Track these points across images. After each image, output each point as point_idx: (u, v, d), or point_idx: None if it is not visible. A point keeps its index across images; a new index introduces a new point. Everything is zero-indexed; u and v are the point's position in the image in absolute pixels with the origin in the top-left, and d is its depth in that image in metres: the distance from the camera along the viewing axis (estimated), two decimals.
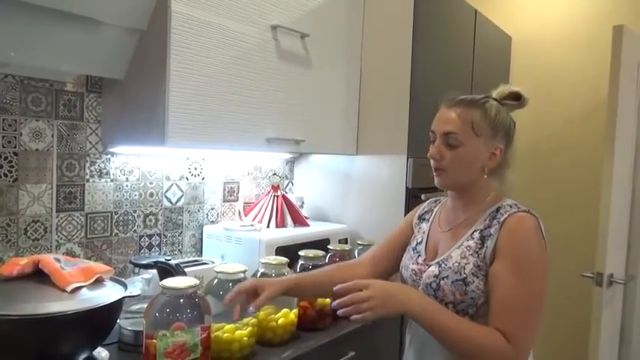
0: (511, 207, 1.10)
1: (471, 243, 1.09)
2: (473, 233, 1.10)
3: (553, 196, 2.52)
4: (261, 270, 1.44)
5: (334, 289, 1.03)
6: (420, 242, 1.22)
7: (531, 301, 1.01)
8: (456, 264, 1.08)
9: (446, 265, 1.09)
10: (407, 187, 1.88)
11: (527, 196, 2.54)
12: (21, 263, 1.10)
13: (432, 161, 1.14)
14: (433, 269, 1.12)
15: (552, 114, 2.55)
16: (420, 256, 1.19)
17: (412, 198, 1.85)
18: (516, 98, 1.14)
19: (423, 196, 1.66)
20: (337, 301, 0.99)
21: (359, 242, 1.86)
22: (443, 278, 1.08)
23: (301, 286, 1.25)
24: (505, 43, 2.65)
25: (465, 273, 1.05)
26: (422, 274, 1.14)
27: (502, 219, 1.07)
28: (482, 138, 1.09)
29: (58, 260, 1.12)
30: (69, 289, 1.06)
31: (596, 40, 2.41)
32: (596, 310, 1.94)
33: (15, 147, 1.34)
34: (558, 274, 2.10)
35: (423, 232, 1.24)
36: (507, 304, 1.00)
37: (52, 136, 1.42)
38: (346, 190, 2.07)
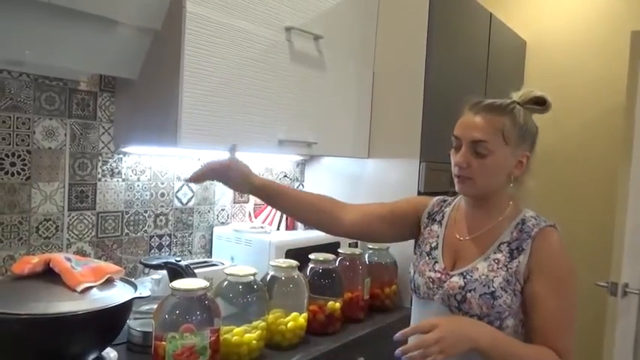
0: (536, 219, 1.09)
1: (500, 256, 1.06)
2: (500, 246, 1.08)
3: (568, 203, 2.48)
4: (271, 273, 1.43)
5: (395, 336, 0.98)
6: (436, 247, 1.17)
7: (572, 315, 1.04)
8: (484, 276, 1.05)
9: (471, 277, 1.06)
10: (419, 192, 1.86)
11: (542, 202, 2.51)
12: (32, 262, 1.11)
13: (455, 168, 1.08)
14: (457, 280, 1.08)
15: (567, 120, 2.51)
16: (437, 262, 1.15)
17: (422, 196, 1.83)
18: (541, 103, 1.11)
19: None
20: (402, 348, 0.95)
21: (369, 246, 1.85)
22: (470, 291, 1.05)
23: (278, 196, 1.22)
24: (520, 47, 2.62)
25: (493, 286, 1.03)
26: (442, 283, 1.10)
27: (532, 233, 1.05)
28: (511, 146, 1.06)
29: (69, 260, 1.12)
30: (79, 289, 1.06)
31: (612, 44, 2.38)
32: (611, 320, 1.91)
33: (28, 145, 1.35)
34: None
35: (437, 237, 1.19)
36: (555, 322, 1.02)
37: (65, 135, 1.42)
38: (357, 193, 2.05)
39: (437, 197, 1.28)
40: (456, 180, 1.10)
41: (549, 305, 1.02)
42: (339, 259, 1.65)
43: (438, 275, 1.12)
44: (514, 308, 1.03)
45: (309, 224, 1.38)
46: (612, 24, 2.40)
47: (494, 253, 1.07)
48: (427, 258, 1.17)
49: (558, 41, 2.55)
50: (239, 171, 1.19)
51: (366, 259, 1.78)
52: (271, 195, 1.23)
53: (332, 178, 2.16)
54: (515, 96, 1.11)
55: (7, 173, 1.31)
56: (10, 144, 1.31)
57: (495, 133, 1.04)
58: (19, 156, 1.33)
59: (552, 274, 1.03)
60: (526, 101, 1.10)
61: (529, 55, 2.65)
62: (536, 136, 1.12)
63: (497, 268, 1.05)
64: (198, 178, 1.20)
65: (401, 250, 1.77)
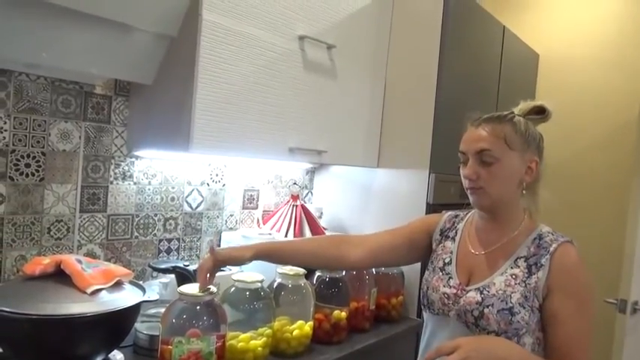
0: (553, 234, 1.09)
1: (517, 271, 1.06)
2: (517, 260, 1.07)
3: (578, 219, 2.46)
4: (278, 280, 1.43)
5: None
6: (449, 263, 1.17)
7: (590, 330, 1.03)
8: (501, 292, 1.04)
9: (488, 292, 1.05)
10: (428, 203, 1.86)
11: (552, 217, 2.50)
12: (43, 263, 1.12)
13: (466, 182, 1.09)
14: (474, 295, 1.07)
15: (579, 134, 2.50)
16: (451, 278, 1.14)
17: (432, 213, 1.83)
18: (540, 112, 1.12)
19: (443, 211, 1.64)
20: None
21: None
22: (487, 306, 1.04)
23: (278, 254, 1.21)
24: (532, 61, 2.62)
25: (511, 302, 1.03)
26: (458, 299, 1.09)
27: (551, 249, 1.05)
28: (517, 151, 1.07)
29: (79, 261, 1.14)
30: (89, 290, 1.07)
31: (626, 60, 2.37)
32: (619, 338, 1.88)
33: (43, 147, 1.37)
34: None
35: (450, 252, 1.18)
36: (576, 340, 1.01)
37: (80, 137, 1.44)
38: (366, 202, 2.06)
39: (448, 213, 1.28)
40: (469, 193, 1.10)
41: (571, 324, 1.01)
42: None
43: (454, 291, 1.11)
44: (532, 325, 1.03)
45: (317, 269, 1.40)
46: (626, 40, 2.39)
47: (511, 268, 1.07)
48: (440, 273, 1.16)
49: (571, 55, 2.55)
50: (229, 260, 1.18)
51: (373, 270, 1.78)
52: (270, 257, 1.21)
53: (341, 187, 2.16)
54: (516, 110, 1.13)
55: (21, 174, 1.33)
56: (25, 145, 1.33)
57: (497, 140, 1.06)
58: (33, 157, 1.35)
59: (573, 292, 1.02)
60: (526, 113, 1.12)
61: (542, 69, 2.64)
62: (541, 142, 1.12)
63: (515, 284, 1.04)
64: (206, 283, 1.15)
65: None
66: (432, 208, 1.84)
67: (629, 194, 1.89)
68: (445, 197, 1.85)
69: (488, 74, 2.21)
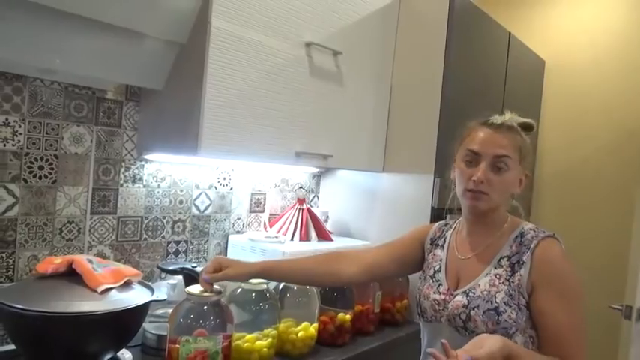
0: (535, 231, 1.10)
1: (500, 271, 1.07)
2: (500, 260, 1.09)
3: (583, 224, 2.47)
4: (284, 282, 1.45)
5: None
6: (439, 270, 1.19)
7: (581, 324, 1.03)
8: (486, 292, 1.06)
9: (474, 293, 1.07)
10: (432, 207, 1.87)
11: (557, 223, 2.50)
12: (56, 262, 1.15)
13: (470, 183, 1.08)
14: (460, 299, 1.09)
15: (584, 140, 2.51)
16: (441, 284, 1.16)
17: (437, 218, 1.84)
18: (527, 129, 1.16)
19: (448, 217, 1.65)
20: None
21: None
22: (473, 308, 1.05)
23: (274, 273, 1.22)
24: (538, 67, 2.63)
25: (496, 302, 1.04)
26: (446, 303, 1.11)
27: (532, 245, 1.06)
28: (522, 165, 1.11)
29: (90, 261, 1.17)
30: (99, 289, 1.10)
31: (632, 66, 2.38)
32: (624, 344, 1.88)
33: (56, 150, 1.41)
34: (585, 304, 2.04)
35: (440, 260, 1.20)
36: (563, 333, 1.01)
37: (91, 141, 1.48)
38: (371, 206, 2.08)
39: (438, 223, 1.31)
40: (468, 195, 1.10)
41: (558, 318, 1.01)
42: None
43: (442, 296, 1.13)
44: (520, 323, 1.03)
45: (313, 286, 1.42)
46: (632, 46, 2.39)
47: (495, 268, 1.08)
48: (431, 281, 1.19)
49: (577, 62, 2.56)
50: (226, 279, 1.18)
51: None
52: (267, 275, 1.22)
53: (346, 191, 2.18)
54: (507, 120, 1.15)
55: (35, 176, 1.37)
56: (39, 148, 1.37)
57: (515, 150, 1.09)
58: (47, 160, 1.39)
59: (557, 286, 1.03)
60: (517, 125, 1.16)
61: (548, 75, 2.65)
62: (533, 158, 1.18)
63: (499, 283, 1.06)
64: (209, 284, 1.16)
65: None
66: (437, 213, 1.86)
67: (634, 199, 1.89)
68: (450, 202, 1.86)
69: (493, 81, 2.23)
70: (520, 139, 1.11)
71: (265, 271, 1.21)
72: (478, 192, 1.08)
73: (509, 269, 1.06)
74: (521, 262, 1.05)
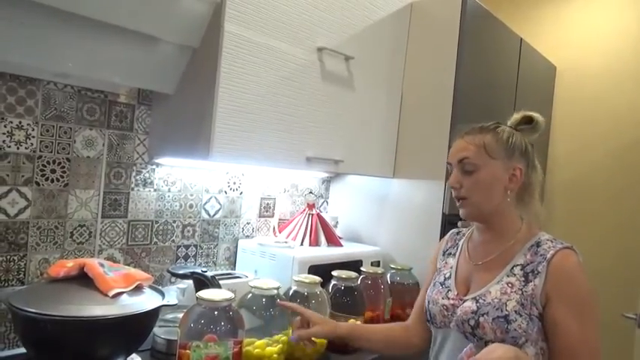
0: (552, 241, 1.08)
1: (513, 279, 1.06)
2: (513, 268, 1.07)
3: (596, 231, 2.44)
4: (294, 288, 1.45)
5: None
6: (449, 277, 1.19)
7: (595, 338, 1.01)
8: (496, 300, 1.04)
9: (484, 300, 1.06)
10: (443, 213, 1.86)
11: (569, 230, 2.48)
12: (67, 266, 1.15)
13: (453, 192, 1.14)
14: (469, 305, 1.08)
15: (596, 146, 2.49)
16: (450, 290, 1.16)
17: (448, 224, 1.83)
18: (528, 122, 1.15)
19: (459, 223, 1.64)
20: None
21: (392, 266, 1.85)
22: (482, 315, 1.04)
23: (352, 337, 1.26)
24: (549, 73, 2.61)
25: (506, 310, 1.02)
26: (455, 309, 1.11)
27: (548, 255, 1.04)
28: (499, 160, 1.10)
29: (102, 265, 1.17)
30: (111, 293, 1.10)
31: None
32: (638, 353, 1.85)
33: (68, 153, 1.41)
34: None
35: (451, 267, 1.21)
36: (575, 346, 0.99)
37: (103, 144, 1.48)
38: (381, 212, 2.07)
39: (450, 231, 1.32)
40: (457, 205, 1.15)
41: (572, 332, 0.99)
42: (362, 277, 1.65)
43: (452, 302, 1.13)
44: (531, 334, 1.01)
45: (388, 354, 1.41)
46: None
47: (507, 276, 1.07)
48: (440, 287, 1.19)
49: (588, 67, 2.54)
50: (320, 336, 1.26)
51: (388, 279, 1.78)
52: (352, 339, 1.27)
53: (357, 196, 2.17)
54: (509, 122, 1.17)
55: (47, 179, 1.37)
56: (52, 152, 1.37)
57: (477, 149, 1.10)
58: (59, 163, 1.39)
59: (573, 298, 1.01)
60: (517, 123, 1.16)
61: (559, 81, 2.64)
62: (528, 151, 1.13)
63: (511, 292, 1.04)
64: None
65: (423, 271, 1.76)
66: (448, 219, 1.84)
67: None
68: None
69: (505, 86, 2.21)
70: (486, 137, 1.10)
71: (351, 334, 1.25)
72: (458, 198, 1.13)
73: (522, 278, 1.05)
74: (535, 272, 1.04)
